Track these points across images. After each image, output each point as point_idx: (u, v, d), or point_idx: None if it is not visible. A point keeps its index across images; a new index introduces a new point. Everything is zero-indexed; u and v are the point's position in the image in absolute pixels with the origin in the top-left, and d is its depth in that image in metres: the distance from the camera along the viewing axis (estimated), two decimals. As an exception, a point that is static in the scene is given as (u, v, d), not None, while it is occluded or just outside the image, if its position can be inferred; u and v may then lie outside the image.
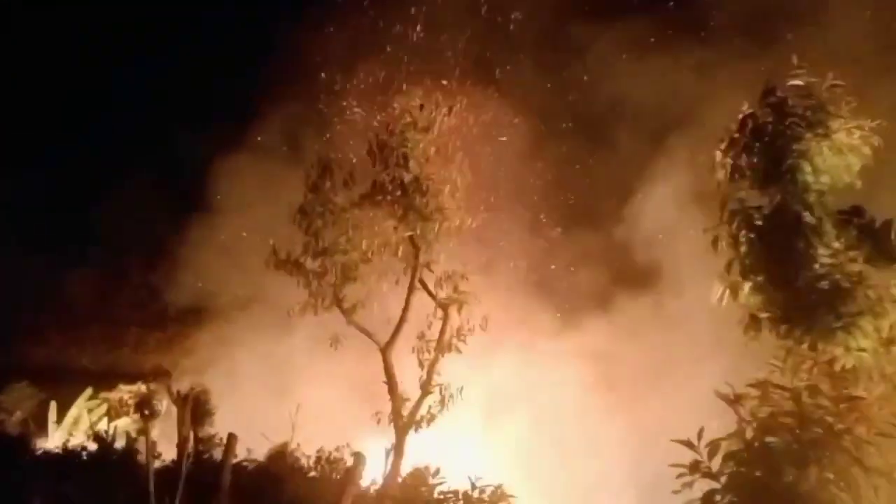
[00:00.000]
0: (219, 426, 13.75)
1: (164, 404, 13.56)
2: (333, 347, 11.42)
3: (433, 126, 10.66)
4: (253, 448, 13.43)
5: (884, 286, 6.54)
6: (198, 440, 13.33)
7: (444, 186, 10.58)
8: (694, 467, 5.38)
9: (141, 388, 16.46)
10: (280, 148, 17.27)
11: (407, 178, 10.48)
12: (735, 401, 5.51)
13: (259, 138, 18.69)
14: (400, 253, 10.95)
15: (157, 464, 12.15)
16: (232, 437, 12.22)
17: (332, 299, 10.93)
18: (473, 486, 9.84)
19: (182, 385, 13.31)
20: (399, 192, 10.55)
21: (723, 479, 5.19)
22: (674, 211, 13.55)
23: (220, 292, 18.67)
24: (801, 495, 4.96)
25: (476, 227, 10.94)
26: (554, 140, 17.58)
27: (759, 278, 7.02)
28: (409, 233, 10.74)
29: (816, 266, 6.78)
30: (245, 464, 13.24)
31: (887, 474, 5.04)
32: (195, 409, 12.89)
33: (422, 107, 10.75)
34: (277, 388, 16.84)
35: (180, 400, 12.39)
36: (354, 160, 11.41)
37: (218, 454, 12.76)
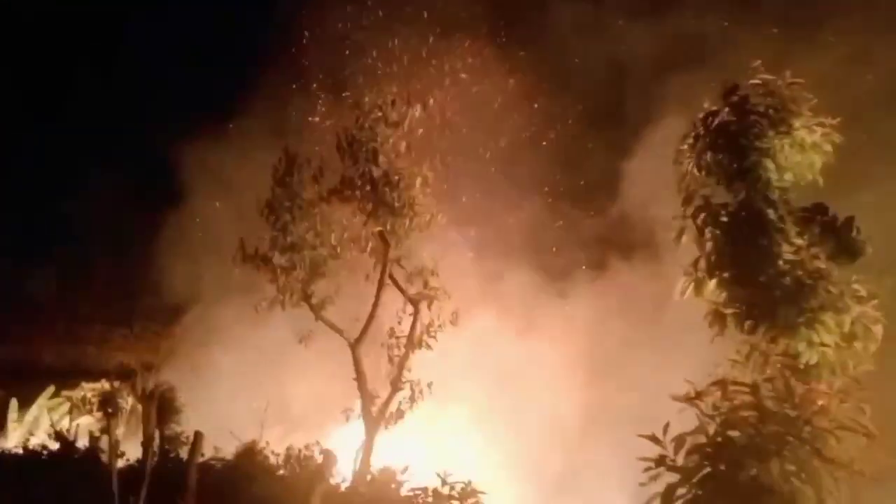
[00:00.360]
0: (185, 424, 13.58)
1: (128, 402, 13.35)
2: (303, 344, 11.32)
3: (404, 121, 10.61)
4: (221, 447, 13.28)
5: (845, 282, 6.64)
6: (163, 438, 13.13)
7: (414, 181, 10.53)
8: (660, 461, 5.43)
9: (104, 385, 16.16)
10: (250, 141, 17.07)
11: (377, 172, 10.43)
12: (696, 397, 5.56)
13: (229, 131, 18.48)
14: (369, 248, 10.88)
15: (120, 463, 11.95)
16: (198, 435, 12.05)
17: (301, 295, 10.84)
18: (443, 483, 9.82)
19: (147, 382, 13.10)
20: (368, 187, 10.50)
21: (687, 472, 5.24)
22: (652, 198, 13.62)
23: (187, 289, 18.43)
24: (764, 488, 5.03)
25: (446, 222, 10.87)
26: (536, 123, 17.65)
27: (724, 274, 7.08)
28: (379, 228, 10.69)
29: (780, 263, 6.86)
30: (212, 462, 13.07)
31: (847, 466, 5.13)
32: (161, 406, 12.68)
33: (393, 102, 10.70)
34: (247, 385, 16.70)
35: (145, 397, 12.19)
36: (324, 155, 11.29)
37: (184, 453, 12.58)
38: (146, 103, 21.00)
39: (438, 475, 9.83)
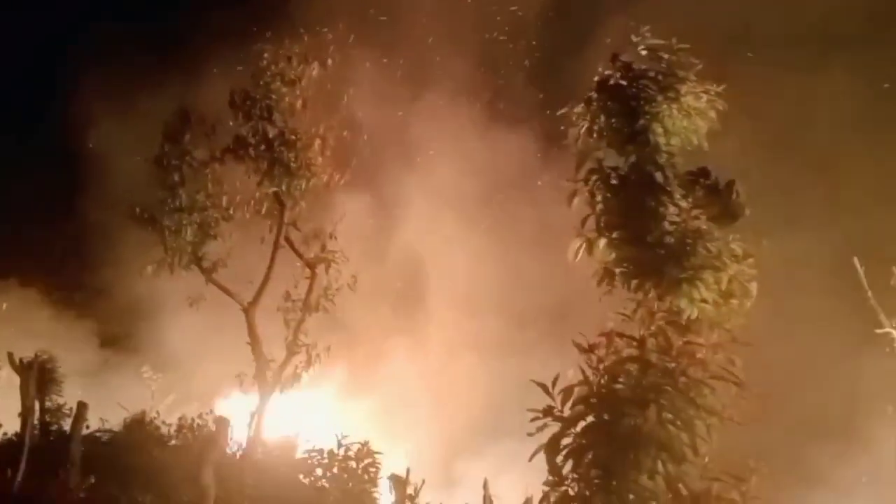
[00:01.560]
0: (68, 396, 12.96)
1: (3, 373, 12.62)
2: (193, 307, 10.94)
3: (302, 79, 10.29)
4: (108, 418, 12.80)
5: (724, 242, 6.94)
6: (44, 410, 12.52)
7: (312, 142, 10.26)
8: (547, 412, 5.58)
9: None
10: (143, 96, 16.20)
11: (272, 131, 10.10)
12: (588, 350, 5.73)
13: (121, 85, 17.48)
14: (264, 210, 10.58)
15: (-3, 437, 11.34)
16: (82, 406, 11.58)
17: (191, 257, 10.42)
18: (339, 444, 9.79)
19: (26, 352, 12.38)
20: (263, 147, 10.17)
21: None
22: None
23: (71, 251, 17.47)
24: (642, 434, 5.28)
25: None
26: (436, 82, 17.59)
27: (614, 235, 7.28)
28: (274, 189, 10.38)
29: (665, 223, 7.10)
30: (98, 434, 12.62)
31: (719, 413, 5.44)
32: (40, 377, 12.06)
33: (290, 59, 10.35)
34: (137, 354, 16.12)
35: (23, 368, 11.55)
36: (218, 113, 10.83)
37: (67, 425, 12.06)
38: (27, 54, 19.58)
39: (335, 436, 9.80)
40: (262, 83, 10.16)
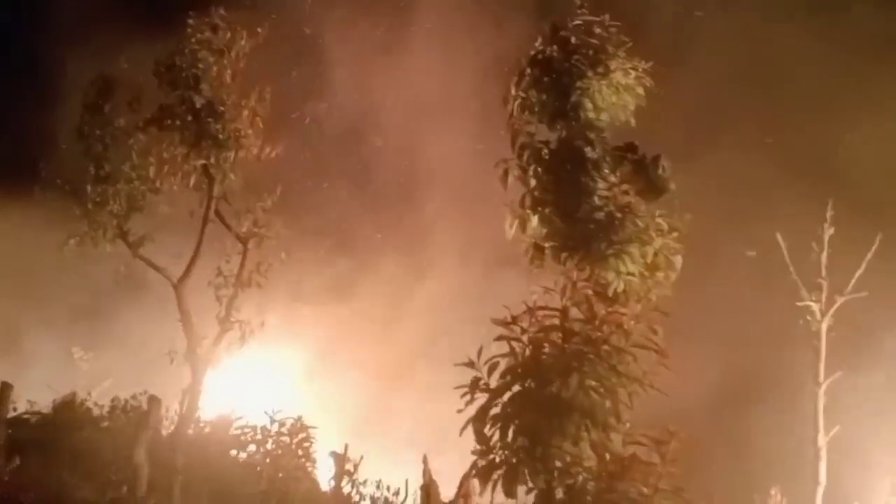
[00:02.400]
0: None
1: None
2: (119, 284, 10.65)
3: (231, 49, 10.02)
4: (37, 400, 12.41)
5: (650, 216, 7.11)
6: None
7: (241, 113, 10.03)
8: (474, 384, 5.66)
9: None
10: (61, 63, 15.51)
11: (199, 102, 9.82)
12: (512, 322, 5.82)
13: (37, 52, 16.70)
14: (193, 182, 10.31)
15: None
16: (6, 387, 11.22)
17: (116, 231, 10.11)
18: (272, 420, 9.74)
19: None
20: (190, 117, 9.88)
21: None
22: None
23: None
24: (565, 401, 5.41)
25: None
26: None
27: (546, 210, 7.37)
28: (203, 161, 10.12)
29: (595, 198, 7.22)
30: (26, 416, 12.25)
31: (639, 380, 5.61)
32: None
33: (216, 27, 10.05)
34: (67, 334, 15.65)
35: (-61, 348, 11.06)
36: (142, 82, 10.47)
37: (-10, 407, 11.62)
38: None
39: (266, 413, 9.75)
40: (187, 52, 9.84)
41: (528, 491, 5.68)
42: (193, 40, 9.86)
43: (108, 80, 10.00)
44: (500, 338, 5.69)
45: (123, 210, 10.11)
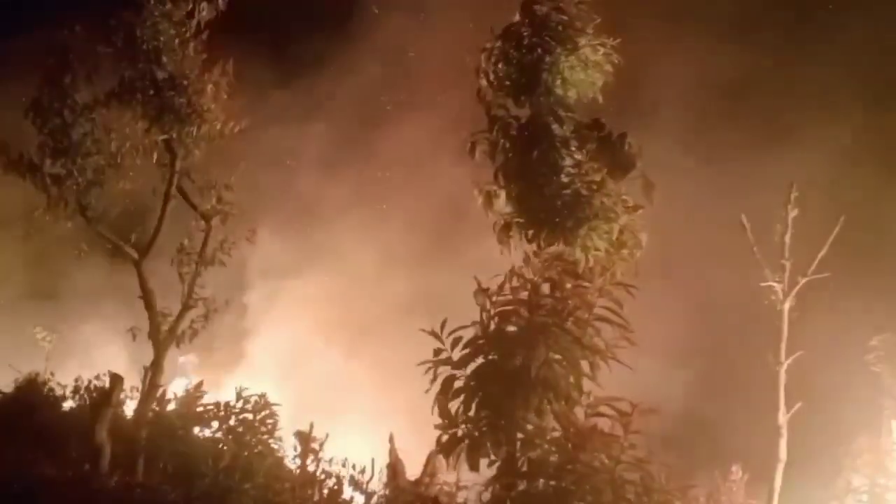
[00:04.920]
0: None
1: None
2: (78, 256, 10.41)
3: (191, 20, 9.78)
4: (-1, 380, 12.17)
5: (617, 193, 7.12)
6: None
7: (204, 87, 9.81)
8: (436, 355, 5.65)
9: None
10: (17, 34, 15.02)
11: (161, 75, 9.58)
12: (482, 292, 5.81)
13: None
14: (155, 158, 10.08)
15: None
16: (-34, 366, 10.93)
17: (76, 206, 9.86)
18: (239, 397, 9.67)
19: None
20: (152, 91, 9.65)
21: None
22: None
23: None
24: (530, 374, 5.42)
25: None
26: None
27: (513, 186, 7.35)
28: (164, 136, 9.90)
29: (562, 176, 7.22)
30: (-13, 396, 12.02)
31: (602, 352, 5.64)
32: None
33: (175, -1, 9.79)
34: (30, 312, 15.35)
35: None
36: (101, 54, 10.16)
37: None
38: None
39: (235, 389, 9.68)
40: (148, 24, 9.58)
41: (491, 463, 5.70)
42: (155, 12, 9.59)
43: (65, 50, 9.69)
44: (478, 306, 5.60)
45: (83, 185, 9.84)
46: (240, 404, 9.51)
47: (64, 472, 9.78)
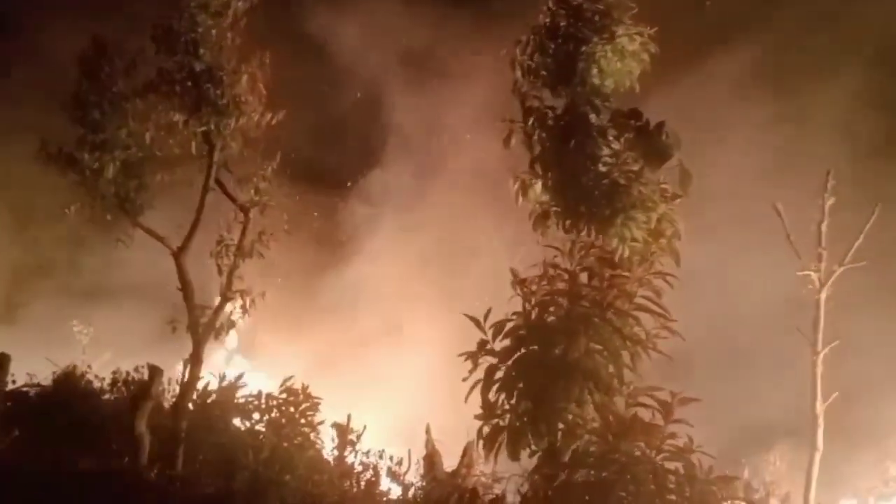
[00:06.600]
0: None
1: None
2: (121, 244, 10.51)
3: (228, 11, 9.83)
4: (36, 373, 12.39)
5: (655, 183, 7.07)
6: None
7: (241, 78, 9.86)
8: (481, 346, 5.67)
9: None
10: (56, 29, 15.22)
11: (198, 66, 9.65)
12: (521, 283, 5.82)
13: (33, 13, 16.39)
14: (193, 150, 10.17)
15: None
16: (4, 358, 11.15)
17: (114, 199, 9.98)
18: (283, 389, 9.73)
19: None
20: (189, 83, 9.72)
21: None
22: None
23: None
24: (570, 363, 5.42)
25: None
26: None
27: (549, 176, 7.33)
28: (202, 128, 9.97)
29: (599, 165, 7.18)
30: (26, 389, 12.21)
31: (643, 342, 5.62)
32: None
33: (213, -11, 9.83)
34: (67, 306, 15.61)
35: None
36: (140, 46, 10.25)
37: (-9, 381, 11.58)
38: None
39: (284, 382, 9.73)
40: (186, 15, 9.65)
41: (532, 454, 5.72)
42: (192, 4, 9.65)
43: (103, 45, 9.78)
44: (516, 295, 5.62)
45: (121, 177, 9.95)
46: (283, 396, 9.53)
47: (103, 465, 9.90)
